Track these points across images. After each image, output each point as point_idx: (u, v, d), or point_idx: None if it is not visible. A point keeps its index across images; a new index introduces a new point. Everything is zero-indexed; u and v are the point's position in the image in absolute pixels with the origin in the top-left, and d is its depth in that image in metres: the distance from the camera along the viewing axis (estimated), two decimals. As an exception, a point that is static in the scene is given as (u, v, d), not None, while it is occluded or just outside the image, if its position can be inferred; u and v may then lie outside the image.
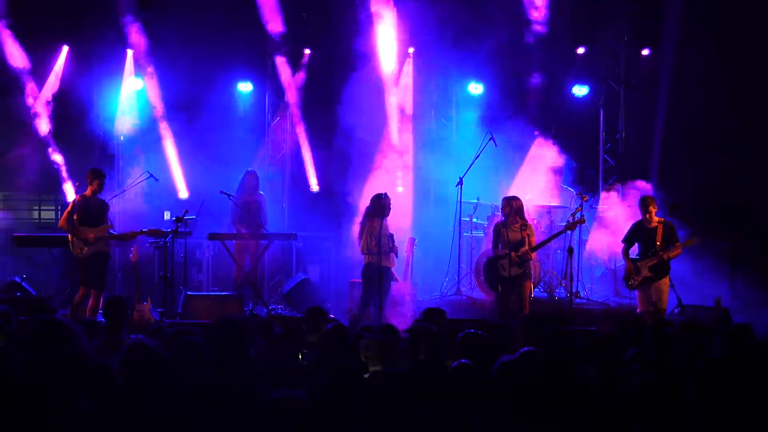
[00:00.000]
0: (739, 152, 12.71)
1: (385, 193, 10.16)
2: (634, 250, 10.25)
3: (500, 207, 10.51)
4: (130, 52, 13.13)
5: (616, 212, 12.11)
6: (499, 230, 10.21)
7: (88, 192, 10.28)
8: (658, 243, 9.86)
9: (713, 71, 12.54)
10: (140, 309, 10.38)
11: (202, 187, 12.97)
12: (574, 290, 11.36)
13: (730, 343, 5.82)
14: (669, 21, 12.72)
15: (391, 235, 10.13)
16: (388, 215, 10.09)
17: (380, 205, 10.03)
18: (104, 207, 10.38)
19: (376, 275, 9.88)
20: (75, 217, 10.14)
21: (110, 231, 10.38)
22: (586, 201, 11.71)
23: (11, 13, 12.20)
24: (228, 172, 12.52)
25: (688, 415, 3.69)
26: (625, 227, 10.52)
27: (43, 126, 12.63)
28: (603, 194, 12.91)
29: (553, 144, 12.68)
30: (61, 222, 10.37)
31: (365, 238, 9.99)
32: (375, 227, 9.91)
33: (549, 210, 12.27)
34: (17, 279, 11.71)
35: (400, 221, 12.08)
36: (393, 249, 10.13)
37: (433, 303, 11.42)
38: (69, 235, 10.22)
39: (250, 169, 12.29)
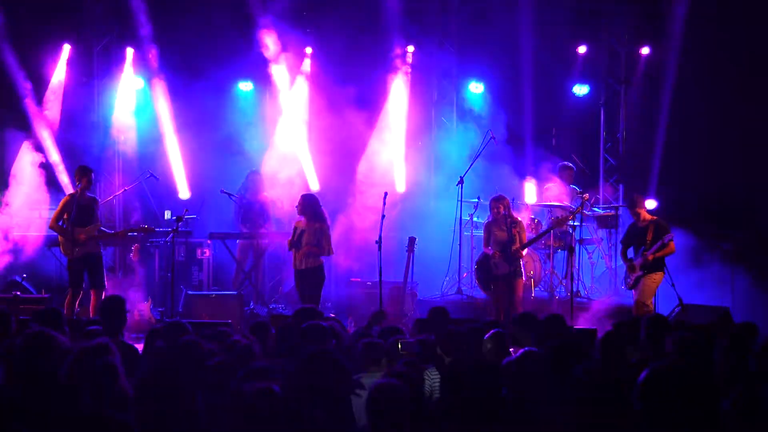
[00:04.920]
0: (741, 151, 12.68)
1: (304, 194, 10.41)
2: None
3: (489, 207, 10.57)
4: (130, 51, 13.10)
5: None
6: (489, 229, 10.30)
7: (77, 190, 10.16)
8: (648, 242, 9.84)
9: (714, 70, 12.52)
10: (141, 308, 10.37)
11: (202, 186, 12.98)
12: (574, 290, 11.35)
13: (730, 344, 5.79)
14: (670, 19, 12.71)
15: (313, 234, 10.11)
16: (304, 215, 10.16)
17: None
18: (94, 205, 10.24)
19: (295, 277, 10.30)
20: (65, 216, 10.09)
21: (101, 230, 10.26)
22: (587, 200, 11.72)
23: (9, 12, 12.16)
24: (228, 171, 12.53)
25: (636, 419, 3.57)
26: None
27: (43, 125, 12.60)
28: None
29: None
30: (51, 222, 10.24)
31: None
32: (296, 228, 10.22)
33: (549, 209, 12.27)
34: (17, 278, 11.70)
35: (400, 221, 12.10)
36: (309, 250, 10.10)
37: (433, 302, 11.44)
38: (59, 236, 10.15)
39: (254, 169, 12.29)
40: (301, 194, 10.52)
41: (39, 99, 12.65)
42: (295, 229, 10.19)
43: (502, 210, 10.14)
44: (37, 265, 12.06)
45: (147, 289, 11.40)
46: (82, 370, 4.18)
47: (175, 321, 6.15)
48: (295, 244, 10.12)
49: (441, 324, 6.79)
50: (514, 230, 10.04)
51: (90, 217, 10.15)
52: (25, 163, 12.38)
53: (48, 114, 12.68)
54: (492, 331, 6.03)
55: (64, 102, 12.84)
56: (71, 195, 10.20)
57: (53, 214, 10.29)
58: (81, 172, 10.22)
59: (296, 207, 10.26)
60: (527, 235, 10.64)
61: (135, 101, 13.25)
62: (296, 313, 6.91)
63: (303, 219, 10.16)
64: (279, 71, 13.21)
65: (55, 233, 10.30)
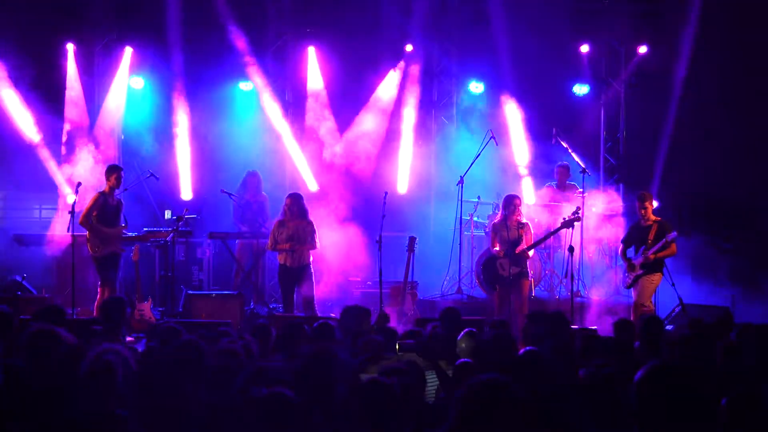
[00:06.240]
0: (742, 151, 12.68)
1: (291, 193, 10.64)
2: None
3: (500, 205, 10.58)
4: (129, 50, 13.10)
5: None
6: (497, 229, 10.30)
7: (106, 189, 10.26)
8: (649, 242, 9.84)
9: (715, 69, 12.52)
10: (141, 308, 10.38)
11: (202, 186, 12.97)
12: (574, 289, 11.34)
13: (730, 344, 5.79)
14: (670, 19, 12.71)
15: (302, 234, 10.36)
16: (292, 214, 10.36)
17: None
18: (120, 206, 10.41)
19: (283, 275, 10.43)
20: (94, 214, 10.14)
21: (124, 232, 10.42)
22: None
23: (10, 11, 12.16)
24: (228, 171, 12.53)
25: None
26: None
27: (37, 125, 12.60)
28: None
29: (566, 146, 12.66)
30: (81, 219, 10.20)
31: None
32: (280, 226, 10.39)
33: (549, 208, 12.26)
34: (18, 278, 11.69)
35: (400, 221, 12.09)
36: (303, 248, 10.36)
37: (433, 302, 11.45)
38: (87, 234, 10.19)
39: (252, 169, 12.29)
40: (288, 194, 10.63)
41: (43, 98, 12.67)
42: (280, 227, 10.23)
43: (513, 209, 10.18)
44: (37, 264, 12.05)
45: (147, 288, 11.40)
46: (80, 368, 4.17)
47: (170, 325, 6.13)
48: (286, 242, 10.23)
49: (453, 326, 6.78)
50: (521, 231, 10.09)
51: (118, 217, 10.32)
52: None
53: (74, 114, 12.78)
54: (465, 330, 6.05)
55: (62, 100, 12.88)
56: (101, 193, 10.27)
57: (83, 210, 10.24)
58: (110, 170, 10.29)
59: (284, 206, 10.35)
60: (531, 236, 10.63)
61: (135, 100, 13.24)
62: (346, 310, 6.95)
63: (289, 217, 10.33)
64: (279, 71, 13.20)
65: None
